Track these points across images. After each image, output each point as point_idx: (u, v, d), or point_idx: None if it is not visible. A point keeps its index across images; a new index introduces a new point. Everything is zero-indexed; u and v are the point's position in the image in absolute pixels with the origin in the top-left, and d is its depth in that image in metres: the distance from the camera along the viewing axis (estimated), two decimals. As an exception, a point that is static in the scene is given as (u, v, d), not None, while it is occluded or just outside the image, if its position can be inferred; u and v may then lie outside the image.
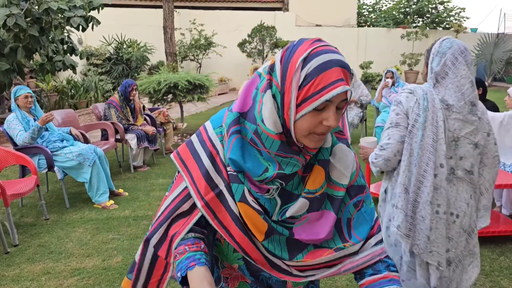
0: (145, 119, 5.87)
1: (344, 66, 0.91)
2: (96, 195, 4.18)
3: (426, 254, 1.83)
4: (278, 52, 0.98)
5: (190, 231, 1.06)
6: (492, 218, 3.53)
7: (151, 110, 6.48)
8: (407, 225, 1.84)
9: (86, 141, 4.70)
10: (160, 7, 13.39)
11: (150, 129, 5.59)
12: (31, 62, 8.24)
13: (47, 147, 4.10)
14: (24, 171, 4.12)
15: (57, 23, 6.98)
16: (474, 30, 17.45)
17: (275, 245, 1.03)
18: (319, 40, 0.94)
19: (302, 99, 0.90)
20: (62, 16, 6.89)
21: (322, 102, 0.88)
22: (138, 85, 6.50)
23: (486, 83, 14.38)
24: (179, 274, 0.98)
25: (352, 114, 6.53)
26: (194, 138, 1.08)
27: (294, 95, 0.91)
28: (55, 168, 4.09)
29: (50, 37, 7.29)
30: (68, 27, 7.54)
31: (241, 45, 14.38)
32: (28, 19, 6.43)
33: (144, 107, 6.10)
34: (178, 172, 1.10)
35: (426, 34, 15.66)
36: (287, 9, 15.97)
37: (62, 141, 4.28)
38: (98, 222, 3.84)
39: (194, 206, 1.05)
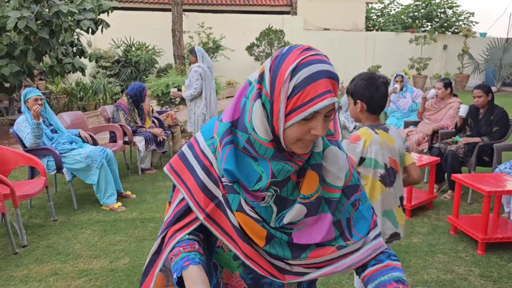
0: (153, 122, 5.90)
1: (332, 77, 0.92)
2: (104, 197, 4.20)
3: None
4: (267, 60, 0.97)
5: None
6: (500, 224, 3.50)
7: (159, 112, 6.51)
8: None
9: (95, 143, 4.73)
10: (169, 10, 13.46)
11: (158, 131, 5.62)
12: (41, 64, 8.32)
13: (56, 148, 4.13)
14: (33, 172, 4.15)
15: (67, 26, 7.07)
16: (483, 35, 17.33)
17: (277, 248, 1.03)
18: (309, 48, 0.95)
19: (290, 109, 0.92)
20: (72, 19, 6.97)
21: (310, 113, 0.90)
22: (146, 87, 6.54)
23: (496, 88, 14.20)
24: (175, 275, 0.99)
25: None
26: (186, 150, 1.09)
27: (283, 105, 0.92)
28: (64, 170, 4.12)
29: (60, 40, 7.38)
30: (77, 30, 7.63)
31: (249, 48, 14.38)
32: (38, 22, 6.51)
33: (152, 109, 6.13)
34: (175, 185, 1.11)
35: (434, 38, 15.57)
36: (295, 13, 15.97)
37: (71, 143, 4.31)
38: (105, 224, 3.86)
39: (191, 217, 1.07)
